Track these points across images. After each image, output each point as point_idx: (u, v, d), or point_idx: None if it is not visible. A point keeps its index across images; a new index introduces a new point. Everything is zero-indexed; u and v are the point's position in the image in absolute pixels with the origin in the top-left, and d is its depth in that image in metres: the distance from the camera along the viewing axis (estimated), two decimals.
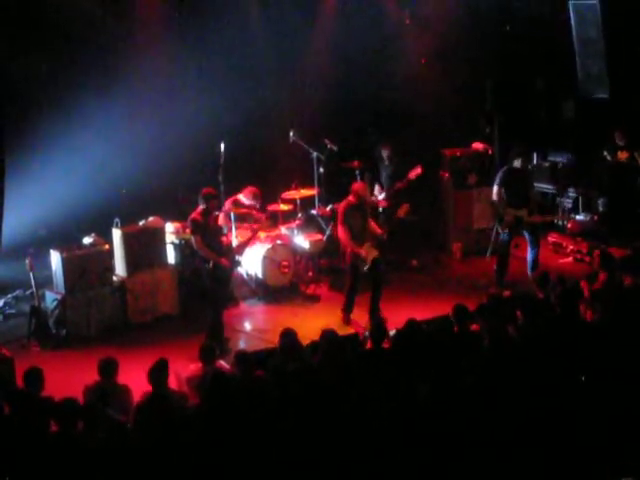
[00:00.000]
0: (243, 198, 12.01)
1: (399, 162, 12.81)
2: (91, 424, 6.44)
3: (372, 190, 12.69)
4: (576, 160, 14.17)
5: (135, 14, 12.40)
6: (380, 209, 12.53)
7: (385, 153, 12.84)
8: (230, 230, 11.54)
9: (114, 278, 11.04)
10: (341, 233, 10.67)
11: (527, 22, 13.96)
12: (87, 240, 11.01)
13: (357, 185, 10.96)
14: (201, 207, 10.08)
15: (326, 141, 12.52)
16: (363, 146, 13.58)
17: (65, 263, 10.56)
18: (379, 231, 10.97)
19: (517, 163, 11.74)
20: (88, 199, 11.86)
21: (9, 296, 11.52)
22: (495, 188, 11.72)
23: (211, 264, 10.00)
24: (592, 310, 8.31)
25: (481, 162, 13.58)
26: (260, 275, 11.85)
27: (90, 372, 7.65)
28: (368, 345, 8.03)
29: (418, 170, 12.45)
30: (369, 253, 10.57)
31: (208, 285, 10.21)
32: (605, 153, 13.73)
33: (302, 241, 12.29)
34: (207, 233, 10.06)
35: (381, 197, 12.70)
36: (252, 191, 12.02)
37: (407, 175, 12.48)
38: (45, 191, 11.71)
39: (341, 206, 10.81)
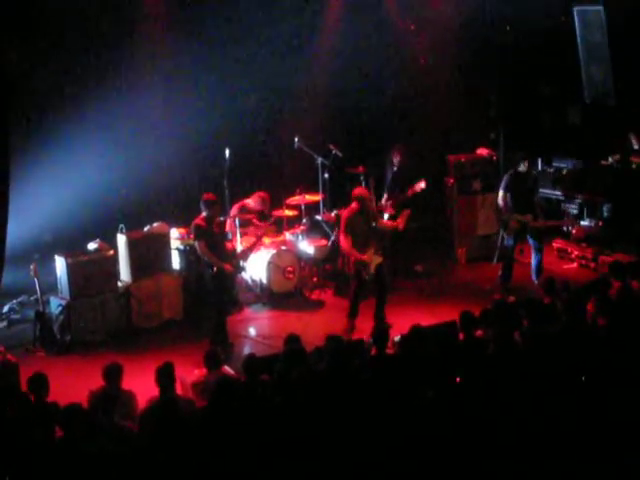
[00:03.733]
0: (251, 203, 12.02)
1: (406, 168, 12.66)
2: (96, 430, 6.43)
3: (379, 196, 12.61)
4: (581, 166, 14.14)
5: (140, 18, 12.41)
6: (386, 216, 12.37)
7: (396, 158, 12.68)
8: (235, 235, 11.54)
9: (119, 284, 11.05)
10: (343, 242, 10.61)
11: (532, 28, 13.93)
12: (92, 246, 11.00)
13: (358, 190, 10.84)
14: (204, 214, 10.07)
15: (331, 147, 12.51)
16: (368, 150, 13.53)
17: (70, 269, 10.58)
18: (392, 224, 11.09)
19: (522, 167, 11.71)
20: (93, 205, 11.87)
21: (14, 302, 11.52)
22: (501, 193, 11.71)
23: (215, 269, 10.01)
24: (601, 317, 8.26)
25: (486, 168, 13.55)
26: (265, 281, 11.84)
27: (95, 377, 7.63)
28: (373, 351, 8.01)
29: (422, 185, 12.24)
30: (372, 260, 10.54)
31: (212, 290, 10.22)
32: (610, 159, 13.69)
33: (307, 247, 12.28)
34: (211, 239, 10.06)
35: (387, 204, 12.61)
36: (261, 196, 12.03)
37: (410, 187, 12.26)
38: (50, 196, 11.71)
39: (344, 214, 10.74)
